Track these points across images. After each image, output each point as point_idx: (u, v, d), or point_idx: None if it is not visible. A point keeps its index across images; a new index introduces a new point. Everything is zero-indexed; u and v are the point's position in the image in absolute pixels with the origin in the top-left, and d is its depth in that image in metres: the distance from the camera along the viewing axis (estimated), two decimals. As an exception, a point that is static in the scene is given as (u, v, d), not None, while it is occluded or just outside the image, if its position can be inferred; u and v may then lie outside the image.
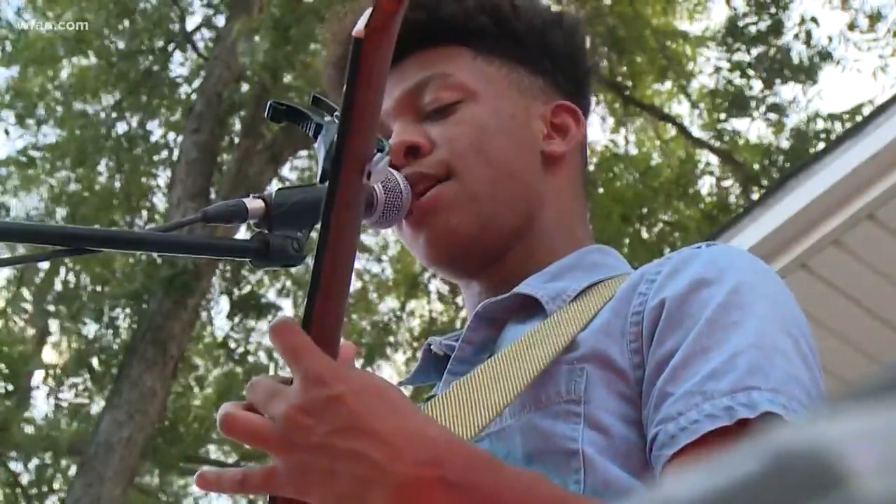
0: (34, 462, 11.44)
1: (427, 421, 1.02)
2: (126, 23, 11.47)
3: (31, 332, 12.54)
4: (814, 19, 11.20)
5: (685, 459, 1.05)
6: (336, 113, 1.01)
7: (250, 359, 12.00)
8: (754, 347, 1.08)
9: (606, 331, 1.18)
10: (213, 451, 13.01)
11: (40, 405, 12.24)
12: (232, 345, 11.99)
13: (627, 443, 1.11)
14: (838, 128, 10.53)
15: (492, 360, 1.20)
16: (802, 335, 1.14)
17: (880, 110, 4.07)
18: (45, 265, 11.52)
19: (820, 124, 11.14)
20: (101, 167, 11.85)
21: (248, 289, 11.79)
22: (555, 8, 1.51)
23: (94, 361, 11.13)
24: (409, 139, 1.33)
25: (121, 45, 11.64)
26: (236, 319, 11.74)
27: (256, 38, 9.69)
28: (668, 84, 12.40)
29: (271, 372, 12.23)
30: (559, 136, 1.40)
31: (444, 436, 1.01)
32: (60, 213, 11.23)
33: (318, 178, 1.01)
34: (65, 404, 11.88)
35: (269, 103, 1.09)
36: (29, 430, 11.03)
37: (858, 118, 8.79)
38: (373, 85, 0.97)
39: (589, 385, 1.15)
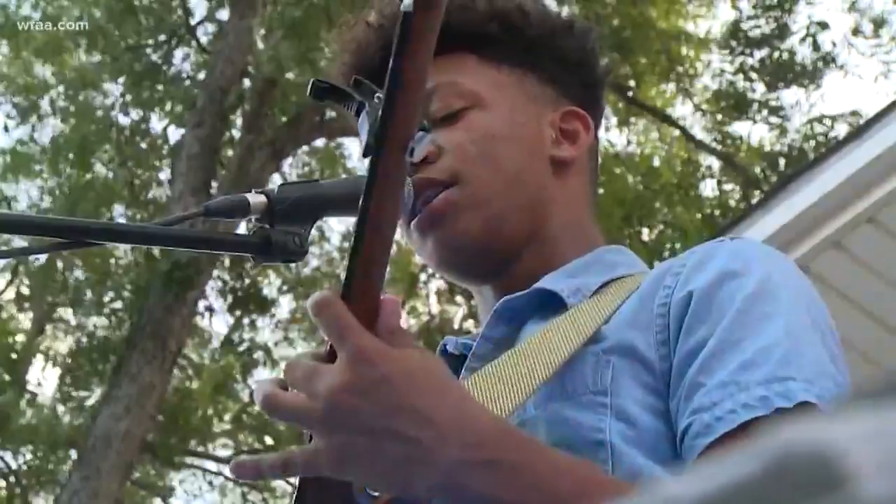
0: (27, 454, 11.43)
1: (474, 403, 1.01)
2: (130, 19, 11.45)
3: (29, 322, 12.54)
4: (820, 24, 11.18)
5: (722, 449, 1.04)
6: (378, 94, 1.00)
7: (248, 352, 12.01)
8: (786, 339, 1.10)
9: (632, 323, 1.19)
10: (208, 450, 13.02)
11: (39, 397, 12.21)
12: (234, 339, 12.00)
13: (654, 433, 1.12)
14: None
15: (514, 350, 1.20)
16: (828, 327, 1.17)
17: (882, 114, 4.07)
18: (42, 256, 11.50)
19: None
20: (103, 160, 11.84)
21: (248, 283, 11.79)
22: (558, 9, 1.50)
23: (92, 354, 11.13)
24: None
25: (124, 39, 11.62)
26: (238, 313, 11.75)
27: (261, 34, 9.66)
28: (672, 86, 12.39)
29: (268, 369, 12.23)
30: (568, 142, 1.40)
31: (490, 418, 1.00)
32: (59, 206, 11.21)
33: (361, 153, 1.00)
34: (71, 397, 11.87)
35: (311, 81, 1.08)
36: (25, 421, 11.01)
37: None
38: (419, 61, 0.96)
39: (616, 376, 1.16)
